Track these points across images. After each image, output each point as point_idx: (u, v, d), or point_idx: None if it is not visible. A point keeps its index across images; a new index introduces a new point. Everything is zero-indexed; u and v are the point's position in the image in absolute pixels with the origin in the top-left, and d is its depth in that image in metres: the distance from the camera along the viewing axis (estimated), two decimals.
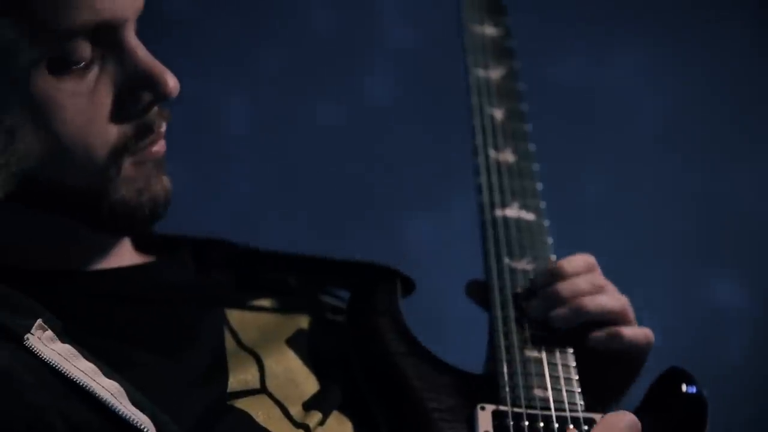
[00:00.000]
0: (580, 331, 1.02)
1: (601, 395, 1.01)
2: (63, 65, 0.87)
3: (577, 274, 1.02)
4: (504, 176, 1.12)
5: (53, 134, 0.88)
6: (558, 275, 1.02)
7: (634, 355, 1.03)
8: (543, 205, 1.11)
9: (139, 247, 1.02)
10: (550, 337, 1.01)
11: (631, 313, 1.03)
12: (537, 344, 1.01)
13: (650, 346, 1.03)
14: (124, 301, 0.95)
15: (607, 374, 1.03)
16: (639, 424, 0.86)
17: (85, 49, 0.87)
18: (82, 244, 0.95)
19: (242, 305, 1.02)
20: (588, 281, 1.02)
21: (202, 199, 1.86)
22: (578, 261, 1.03)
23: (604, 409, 1.02)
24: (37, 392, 0.82)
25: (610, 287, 1.03)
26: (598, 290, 1.02)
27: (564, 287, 1.01)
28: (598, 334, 1.01)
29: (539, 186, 1.12)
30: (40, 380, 0.83)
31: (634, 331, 1.02)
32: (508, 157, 1.14)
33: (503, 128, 1.16)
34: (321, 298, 1.09)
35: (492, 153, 1.13)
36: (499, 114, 1.17)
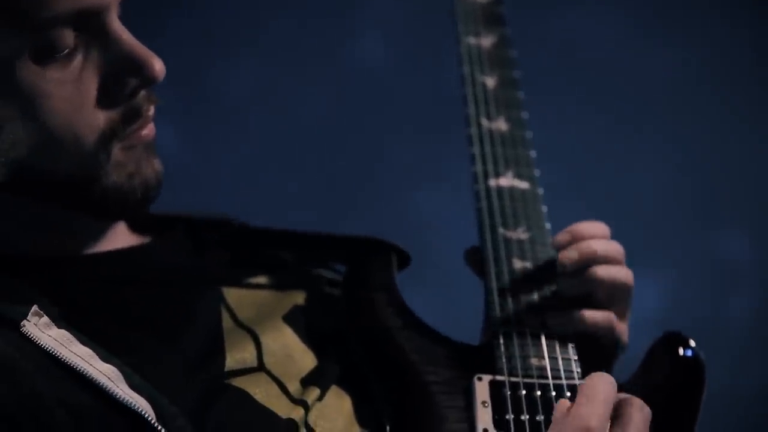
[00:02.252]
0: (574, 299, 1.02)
1: (591, 361, 1.01)
2: (47, 54, 0.87)
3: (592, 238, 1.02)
4: (497, 145, 1.11)
5: (41, 123, 0.88)
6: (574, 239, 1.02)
7: (619, 296, 1.03)
8: (537, 173, 1.10)
9: (134, 228, 1.02)
10: (547, 306, 1.02)
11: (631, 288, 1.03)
12: (533, 314, 1.01)
13: (612, 330, 1.02)
14: (120, 284, 0.95)
15: (600, 347, 1.03)
16: (615, 383, 0.86)
17: (68, 36, 0.87)
18: (76, 230, 0.95)
19: (238, 283, 1.02)
20: (602, 246, 1.02)
21: (200, 174, 1.87)
22: (593, 227, 1.03)
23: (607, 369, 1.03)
24: (35, 379, 0.83)
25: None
26: (610, 260, 1.02)
27: (575, 254, 1.01)
28: (593, 316, 1.01)
29: (533, 154, 1.12)
30: (37, 366, 0.84)
31: (594, 315, 1.01)
32: (501, 125, 1.13)
33: (496, 96, 1.15)
34: (318, 272, 1.09)
35: (485, 122, 1.13)
36: (491, 82, 1.16)
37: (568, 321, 1.00)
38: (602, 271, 1.01)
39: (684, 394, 0.99)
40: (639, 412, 0.84)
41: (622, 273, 1.02)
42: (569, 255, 1.01)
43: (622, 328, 1.03)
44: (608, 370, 1.03)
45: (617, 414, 0.84)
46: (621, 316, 1.03)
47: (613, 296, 1.02)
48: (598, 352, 1.02)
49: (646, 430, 0.84)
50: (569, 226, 1.04)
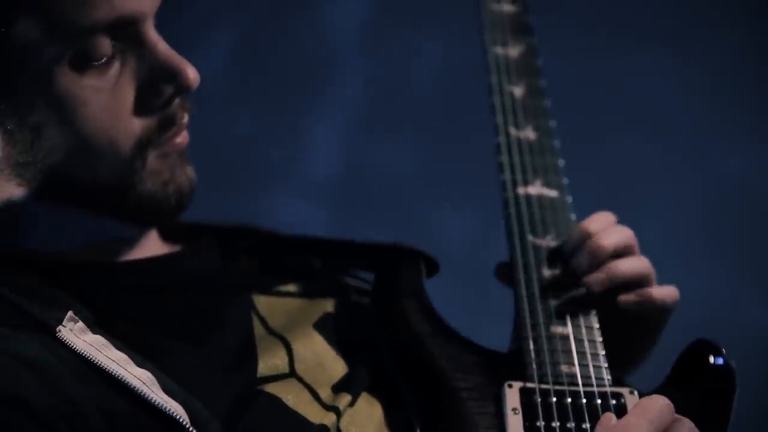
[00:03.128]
0: (605, 297, 1.02)
1: (621, 361, 1.01)
2: (84, 62, 0.88)
3: (601, 231, 1.02)
4: (525, 154, 1.12)
5: (78, 130, 0.89)
6: (585, 236, 1.02)
7: (660, 315, 1.04)
8: (565, 181, 1.11)
9: (164, 236, 1.03)
10: (576, 312, 1.02)
11: (654, 273, 1.03)
12: (563, 320, 1.01)
13: (675, 305, 1.04)
14: (153, 291, 0.96)
15: (629, 338, 1.03)
16: (672, 406, 0.86)
17: (105, 44, 0.88)
18: (110, 237, 0.96)
19: (269, 291, 1.03)
20: (614, 239, 1.02)
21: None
22: (598, 221, 1.04)
23: (625, 375, 1.03)
24: (71, 383, 0.83)
25: (632, 246, 1.03)
26: (626, 250, 1.02)
27: (594, 250, 1.01)
28: (629, 296, 1.02)
29: (561, 162, 1.12)
30: (73, 371, 0.84)
31: (663, 291, 1.03)
32: (529, 134, 1.14)
33: (523, 106, 1.16)
34: (345, 281, 1.10)
35: (512, 131, 1.13)
36: (518, 91, 1.17)
37: (606, 276, 1.00)
38: (623, 266, 1.02)
39: (714, 402, 0.99)
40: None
41: (641, 264, 1.02)
42: (594, 277, 1.01)
43: (655, 292, 1.02)
44: (653, 340, 1.04)
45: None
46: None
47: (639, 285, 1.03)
48: (637, 327, 1.03)
49: None
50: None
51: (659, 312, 1.03)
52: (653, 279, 1.03)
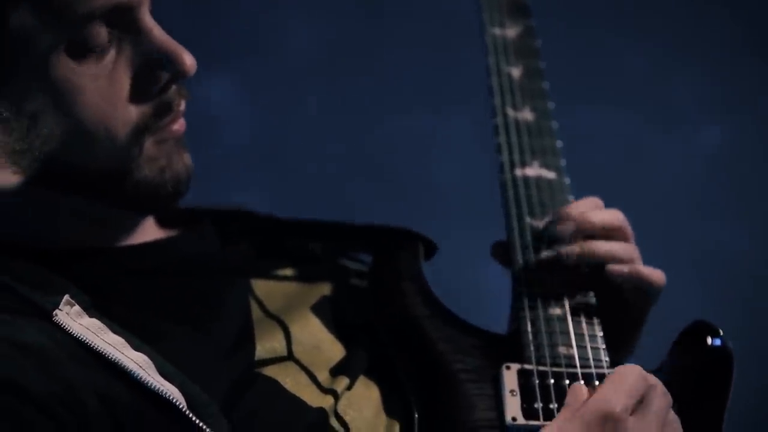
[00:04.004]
0: (596, 278, 1.02)
1: (614, 345, 1.01)
2: (81, 49, 0.88)
3: (586, 212, 1.02)
4: (523, 135, 1.12)
5: (75, 117, 0.89)
6: (572, 214, 1.03)
7: (648, 295, 1.04)
8: (563, 162, 1.11)
9: (161, 221, 1.03)
10: (574, 294, 1.02)
11: (638, 257, 1.04)
12: (560, 302, 1.01)
13: (662, 288, 1.04)
14: (150, 276, 0.96)
15: (619, 321, 1.03)
16: (646, 375, 0.86)
17: (101, 32, 0.88)
18: (107, 223, 0.96)
19: (266, 274, 1.03)
20: (602, 217, 1.02)
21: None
22: (586, 202, 1.04)
23: (620, 359, 1.04)
24: (68, 367, 0.84)
25: (622, 229, 1.04)
26: (615, 232, 1.03)
27: (581, 223, 1.02)
28: (621, 267, 1.02)
29: (559, 144, 1.12)
30: (70, 355, 0.84)
31: (651, 270, 1.03)
32: (527, 115, 1.14)
33: (521, 87, 1.15)
34: (343, 264, 1.10)
35: (510, 112, 1.13)
36: (516, 72, 1.17)
37: (580, 250, 1.01)
38: (601, 244, 1.02)
39: (712, 383, 0.99)
40: (660, 398, 0.85)
41: (617, 246, 1.02)
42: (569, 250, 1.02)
43: (645, 269, 1.03)
44: (639, 329, 1.05)
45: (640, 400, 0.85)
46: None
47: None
48: (624, 309, 1.03)
49: (667, 415, 0.85)
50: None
51: (647, 291, 1.04)
52: (638, 257, 1.04)
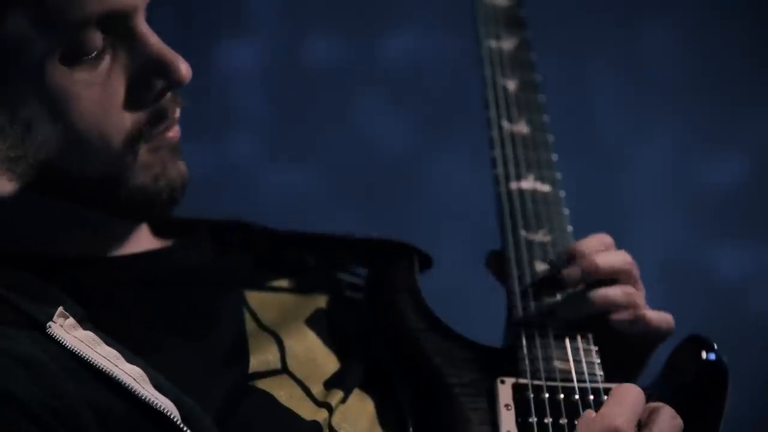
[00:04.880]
0: (599, 318, 1.01)
1: (617, 374, 1.01)
2: (75, 56, 0.87)
3: (593, 253, 1.01)
4: (519, 148, 1.12)
5: (69, 124, 0.88)
6: (574, 256, 1.01)
7: (652, 340, 1.03)
8: (559, 176, 1.10)
9: (156, 231, 1.02)
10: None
11: (643, 299, 1.02)
12: (555, 316, 1.01)
13: (670, 332, 1.02)
14: (144, 286, 0.95)
15: (623, 356, 1.02)
16: (643, 394, 0.87)
17: (96, 38, 0.88)
18: (101, 231, 0.96)
19: (261, 286, 1.03)
20: (610, 260, 1.00)
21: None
22: (594, 241, 1.03)
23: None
24: (61, 380, 0.83)
25: (628, 272, 1.02)
26: (622, 276, 1.01)
27: (587, 267, 1.00)
28: (623, 315, 1.00)
29: (554, 157, 1.12)
30: (63, 367, 0.84)
31: (658, 316, 1.02)
32: (522, 128, 1.13)
33: (517, 99, 1.15)
34: (338, 276, 1.09)
35: (506, 125, 1.13)
36: (512, 85, 1.16)
37: (581, 302, 0.99)
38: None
39: (707, 397, 0.99)
40: (669, 420, 0.85)
41: (624, 291, 1.01)
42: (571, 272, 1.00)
43: (650, 314, 1.01)
44: (641, 368, 1.03)
45: (647, 420, 0.85)
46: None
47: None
48: (626, 351, 1.02)
49: None
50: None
51: (651, 336, 1.02)
52: (641, 302, 1.01)
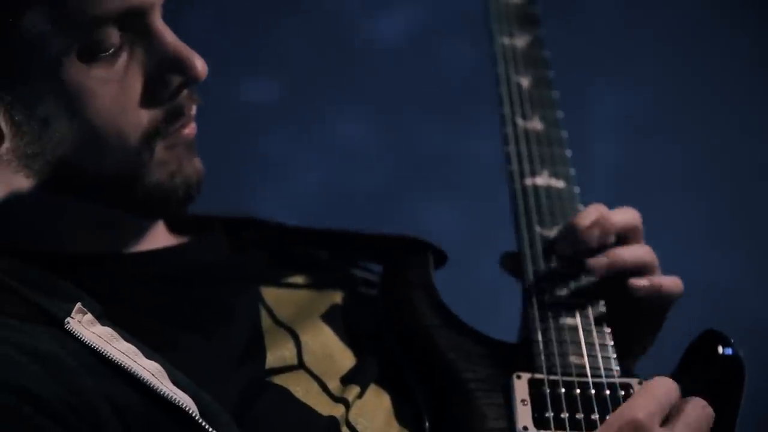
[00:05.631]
0: (612, 285, 1.02)
1: (624, 351, 1.01)
2: (93, 53, 0.88)
3: (603, 214, 1.01)
4: (533, 144, 1.12)
5: (86, 121, 0.89)
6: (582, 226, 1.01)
7: (664, 305, 1.04)
8: (573, 171, 1.10)
9: (172, 228, 1.03)
10: (584, 303, 1.02)
11: (657, 262, 1.03)
12: (571, 311, 1.01)
13: (680, 296, 1.03)
14: (160, 282, 0.96)
15: (633, 328, 1.03)
16: (677, 387, 0.87)
17: (113, 35, 0.88)
18: (117, 228, 0.96)
19: (276, 282, 1.03)
20: (622, 217, 1.01)
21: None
22: (593, 208, 1.03)
23: (631, 365, 1.03)
24: (80, 375, 0.83)
25: (640, 229, 1.02)
26: (633, 232, 1.02)
27: (603, 224, 1.00)
28: (641, 280, 1.01)
29: (568, 153, 1.12)
30: (82, 363, 0.84)
31: (671, 280, 1.02)
32: (536, 125, 1.14)
33: (530, 96, 1.15)
34: (353, 273, 1.10)
35: (520, 121, 1.13)
36: (525, 82, 1.17)
37: (609, 260, 0.99)
38: (626, 252, 1.01)
39: (724, 392, 0.98)
40: (700, 410, 0.85)
41: (641, 251, 1.02)
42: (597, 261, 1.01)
43: (664, 279, 1.02)
44: (655, 335, 1.04)
45: (675, 412, 0.86)
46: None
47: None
48: (643, 317, 1.03)
49: (703, 429, 0.85)
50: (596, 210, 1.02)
51: (664, 301, 1.03)
52: (657, 268, 1.03)
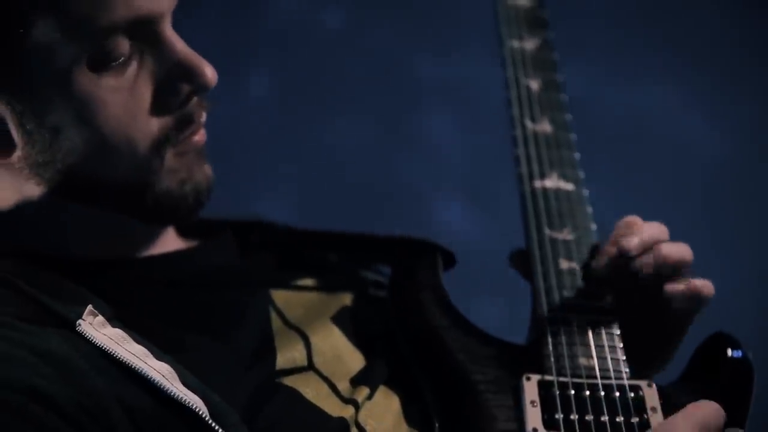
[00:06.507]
0: (640, 288, 1.01)
1: (647, 361, 1.01)
2: (102, 62, 0.88)
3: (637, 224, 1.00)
4: (542, 147, 1.12)
5: (96, 130, 0.89)
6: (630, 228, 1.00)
7: (696, 308, 1.02)
8: (582, 174, 1.11)
9: (181, 232, 1.04)
10: (594, 305, 1.02)
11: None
12: (581, 313, 1.01)
13: (710, 301, 1.01)
14: (170, 286, 0.96)
15: (655, 337, 1.03)
16: (723, 414, 0.86)
17: (123, 44, 0.89)
18: (128, 234, 0.97)
19: (286, 285, 1.04)
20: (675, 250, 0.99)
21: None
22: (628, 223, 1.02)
23: (649, 375, 1.03)
24: (91, 377, 0.84)
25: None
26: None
27: (635, 240, 0.98)
28: (677, 286, 0.99)
29: (577, 155, 1.12)
30: (93, 365, 0.85)
31: (704, 283, 1.00)
32: (546, 127, 1.14)
33: (540, 99, 1.16)
34: (362, 274, 1.10)
35: (529, 124, 1.14)
36: (535, 85, 1.17)
37: (655, 259, 0.98)
38: (668, 249, 0.99)
39: (733, 394, 0.98)
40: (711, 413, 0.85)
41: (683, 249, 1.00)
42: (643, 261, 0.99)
43: (701, 284, 1.00)
44: (684, 332, 1.02)
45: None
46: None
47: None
48: (671, 321, 1.01)
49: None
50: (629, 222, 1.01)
51: (698, 304, 1.01)
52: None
